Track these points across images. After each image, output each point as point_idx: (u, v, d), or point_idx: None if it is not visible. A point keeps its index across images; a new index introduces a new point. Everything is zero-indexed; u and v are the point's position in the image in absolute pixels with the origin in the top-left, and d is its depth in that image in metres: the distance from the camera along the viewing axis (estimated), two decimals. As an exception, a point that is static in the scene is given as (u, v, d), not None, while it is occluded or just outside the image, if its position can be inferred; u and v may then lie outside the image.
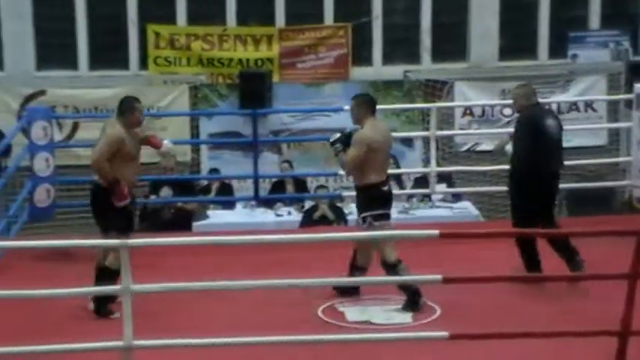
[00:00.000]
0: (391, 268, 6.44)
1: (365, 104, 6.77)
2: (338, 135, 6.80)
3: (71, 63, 11.83)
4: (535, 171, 6.93)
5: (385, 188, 6.66)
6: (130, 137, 6.55)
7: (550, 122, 7.11)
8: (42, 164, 8.15)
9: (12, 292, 5.46)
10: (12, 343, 5.24)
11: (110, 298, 6.40)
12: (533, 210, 6.84)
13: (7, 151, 8.87)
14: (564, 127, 7.52)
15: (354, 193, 6.69)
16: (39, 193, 8.15)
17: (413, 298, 6.45)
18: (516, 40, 12.31)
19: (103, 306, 6.42)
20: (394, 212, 9.74)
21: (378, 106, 6.90)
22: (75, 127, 11.38)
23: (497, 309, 6.28)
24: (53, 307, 6.35)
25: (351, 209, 9.99)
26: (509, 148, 9.74)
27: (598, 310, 5.79)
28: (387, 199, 6.67)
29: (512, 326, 5.50)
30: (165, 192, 9.72)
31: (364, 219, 6.55)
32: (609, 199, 10.92)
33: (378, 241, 6.43)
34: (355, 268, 6.73)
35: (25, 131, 8.44)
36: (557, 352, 5.45)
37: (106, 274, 6.33)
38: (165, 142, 6.94)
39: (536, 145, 6.92)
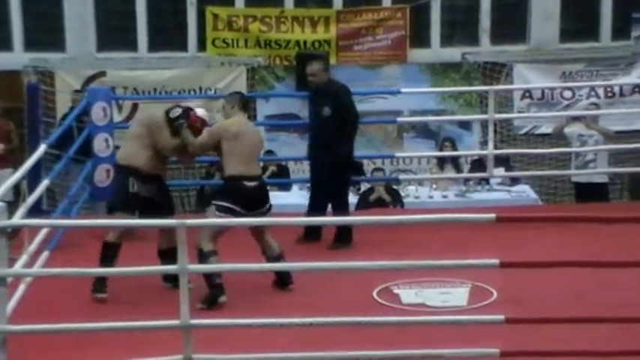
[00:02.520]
0: (203, 257, 6.34)
1: (240, 101, 6.82)
2: (179, 110, 6.73)
3: (131, 44, 11.94)
4: None
5: (249, 184, 6.54)
6: None
7: None
8: (102, 145, 8.25)
9: (72, 270, 5.54)
10: (72, 320, 5.33)
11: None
12: None
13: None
14: (628, 109, 7.35)
15: (411, 176, 6.70)
16: (99, 173, 8.25)
17: (214, 294, 6.33)
18: (578, 21, 12.11)
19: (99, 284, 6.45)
20: (450, 195, 9.85)
21: (436, 89, 6.85)
22: (134, 108, 11.50)
23: (555, 294, 6.22)
24: (114, 286, 6.46)
25: (407, 192, 9.97)
26: (567, 130, 9.65)
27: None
28: (245, 196, 6.50)
29: (569, 312, 5.44)
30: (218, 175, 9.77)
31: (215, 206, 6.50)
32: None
33: (202, 227, 6.31)
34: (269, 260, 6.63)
35: (86, 112, 8.55)
36: (616, 339, 5.37)
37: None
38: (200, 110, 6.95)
39: None
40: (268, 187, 6.96)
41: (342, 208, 7.64)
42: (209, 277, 6.36)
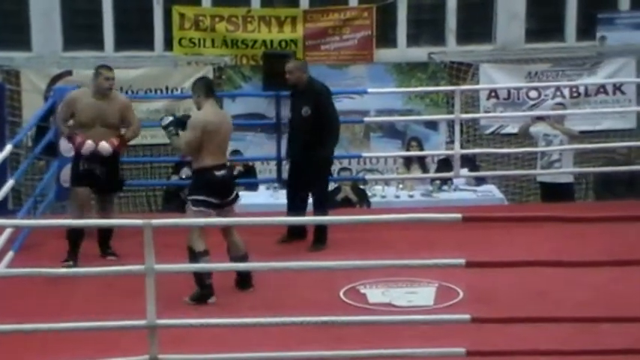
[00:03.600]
0: (194, 256, 6.38)
1: (203, 87, 6.73)
2: (170, 118, 6.77)
3: (97, 43, 11.87)
4: None
5: (219, 173, 6.56)
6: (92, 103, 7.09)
7: None
8: (67, 145, 8.18)
9: (36, 270, 5.50)
10: (36, 321, 5.30)
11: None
12: None
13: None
14: (593, 109, 7.42)
15: (377, 176, 6.72)
16: (65, 172, 8.19)
17: (203, 293, 6.39)
18: (543, 21, 12.20)
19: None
20: (417, 195, 9.89)
21: (403, 88, 6.88)
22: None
23: (522, 294, 6.26)
24: (78, 286, 6.41)
25: (374, 191, 10.00)
26: (533, 129, 9.72)
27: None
28: (217, 186, 6.54)
29: (535, 311, 5.48)
30: (186, 172, 9.74)
31: (191, 202, 6.52)
32: (638, 182, 10.84)
33: (191, 226, 6.37)
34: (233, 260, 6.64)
35: (52, 111, 8.48)
36: (581, 339, 5.43)
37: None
38: (103, 144, 7.13)
39: None
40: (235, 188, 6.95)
41: (321, 208, 7.61)
42: (199, 276, 6.36)
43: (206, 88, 6.74)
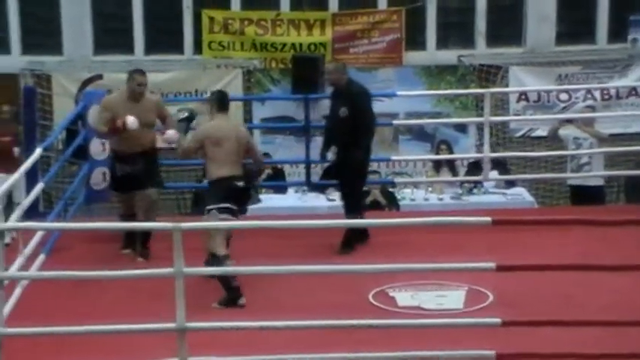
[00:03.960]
0: (217, 261, 6.42)
1: (216, 102, 6.87)
2: (186, 114, 6.93)
3: (127, 47, 11.94)
4: None
5: (238, 183, 6.65)
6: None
7: None
8: (98, 148, 8.24)
9: (66, 273, 5.54)
10: (68, 323, 5.33)
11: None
12: None
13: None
14: (624, 112, 7.36)
15: (406, 179, 6.70)
16: (95, 176, 8.25)
17: (232, 296, 6.41)
18: (574, 23, 12.12)
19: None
20: (446, 198, 9.85)
21: (432, 91, 6.85)
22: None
23: (552, 297, 6.22)
24: (109, 289, 6.45)
25: (403, 194, 9.98)
26: (562, 132, 9.66)
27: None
28: (234, 193, 6.62)
29: (564, 314, 5.44)
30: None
31: (208, 211, 6.57)
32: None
33: (214, 232, 6.44)
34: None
35: (82, 115, 8.55)
36: (610, 342, 5.38)
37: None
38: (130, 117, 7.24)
39: None
40: (264, 190, 7.00)
41: (352, 212, 7.58)
42: (225, 280, 6.39)
43: (219, 103, 6.88)
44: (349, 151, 7.53)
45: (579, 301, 6.20)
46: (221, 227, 6.38)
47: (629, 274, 5.88)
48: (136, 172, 7.35)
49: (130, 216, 7.41)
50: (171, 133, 7.21)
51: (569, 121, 9.81)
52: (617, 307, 5.97)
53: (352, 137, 7.51)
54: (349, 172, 7.61)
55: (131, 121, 7.22)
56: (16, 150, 10.13)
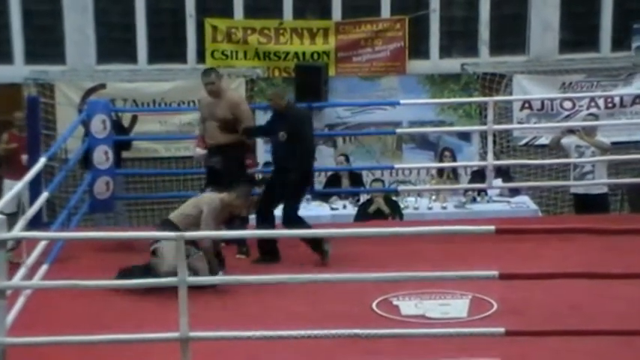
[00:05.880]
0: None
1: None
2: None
3: (131, 57, 11.95)
4: None
5: None
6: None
7: None
8: (101, 157, 8.26)
9: (70, 282, 5.53)
10: (72, 333, 5.32)
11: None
12: None
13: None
14: (628, 120, 7.35)
15: (410, 187, 6.68)
16: (99, 185, 8.26)
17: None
18: (578, 32, 12.11)
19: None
20: (450, 206, 9.84)
21: (435, 100, 6.87)
22: (134, 120, 11.51)
23: (556, 306, 6.20)
24: (113, 298, 6.44)
25: (406, 203, 9.96)
26: (565, 141, 9.64)
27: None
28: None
29: (571, 324, 5.42)
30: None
31: None
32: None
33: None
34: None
35: (86, 124, 8.56)
36: (615, 352, 5.36)
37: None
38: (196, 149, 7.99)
39: None
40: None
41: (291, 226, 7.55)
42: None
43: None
44: (286, 173, 7.65)
45: (583, 310, 6.18)
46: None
47: (635, 283, 5.85)
48: (217, 166, 7.82)
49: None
50: (199, 150, 7.92)
51: (571, 131, 9.80)
52: (623, 317, 5.94)
53: (290, 161, 7.63)
54: (285, 193, 7.71)
55: (196, 151, 8.06)
56: (24, 158, 10.14)
